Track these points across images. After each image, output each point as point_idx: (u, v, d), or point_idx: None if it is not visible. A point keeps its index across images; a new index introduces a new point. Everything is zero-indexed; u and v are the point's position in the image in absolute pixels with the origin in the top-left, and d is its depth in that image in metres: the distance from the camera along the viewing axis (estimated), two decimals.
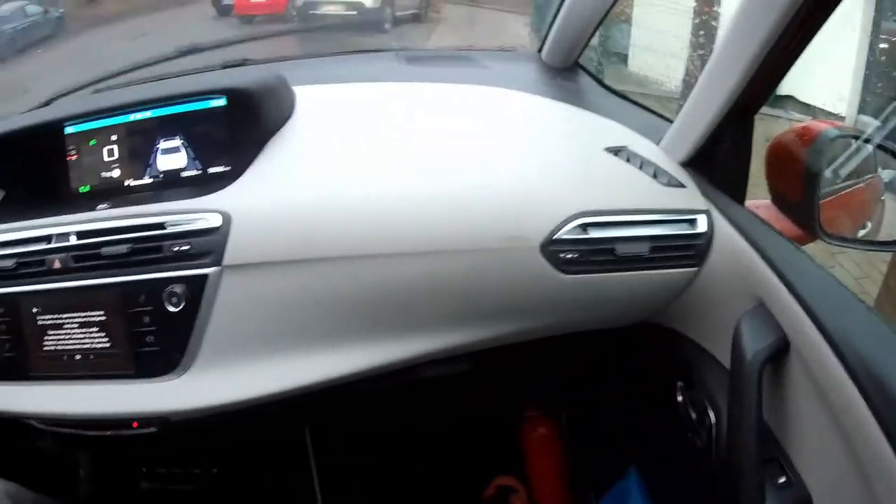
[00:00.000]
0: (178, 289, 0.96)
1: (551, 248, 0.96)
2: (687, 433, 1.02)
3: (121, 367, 1.02)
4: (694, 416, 1.01)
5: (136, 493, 1.36)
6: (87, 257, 1.01)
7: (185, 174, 1.11)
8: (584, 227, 0.97)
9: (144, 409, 1.01)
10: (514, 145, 1.03)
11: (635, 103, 1.18)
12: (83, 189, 1.15)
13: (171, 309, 0.97)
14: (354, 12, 7.31)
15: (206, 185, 1.02)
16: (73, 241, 1.03)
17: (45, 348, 1.06)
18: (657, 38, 5.38)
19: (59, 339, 1.05)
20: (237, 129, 1.06)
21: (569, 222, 0.96)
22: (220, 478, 1.31)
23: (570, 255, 0.96)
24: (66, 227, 1.05)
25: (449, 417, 1.48)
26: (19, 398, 1.08)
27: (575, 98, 1.14)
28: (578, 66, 1.21)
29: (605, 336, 1.10)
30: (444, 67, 1.20)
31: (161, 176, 1.12)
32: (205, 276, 0.96)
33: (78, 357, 1.04)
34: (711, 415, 0.96)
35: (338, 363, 0.99)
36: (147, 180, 1.13)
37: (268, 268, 0.96)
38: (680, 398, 1.05)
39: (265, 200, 0.96)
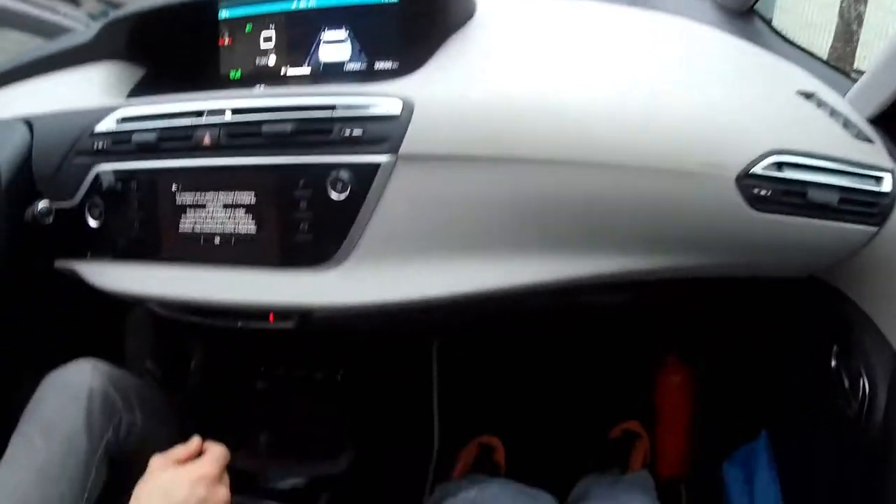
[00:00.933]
0: (344, 175, 0.89)
1: (746, 181, 0.89)
2: (836, 399, 0.97)
3: (266, 254, 0.94)
4: (847, 383, 0.96)
5: (248, 392, 1.27)
6: (243, 134, 0.93)
7: (348, 67, 1.04)
8: (780, 166, 0.91)
9: (286, 301, 0.93)
10: (704, 74, 0.97)
11: (812, 55, 1.13)
12: (234, 75, 1.09)
13: (335, 196, 0.89)
14: None
15: (370, 80, 0.95)
16: (228, 117, 0.96)
17: (181, 229, 0.98)
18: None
19: (197, 221, 0.97)
20: (411, 26, 1.00)
21: (765, 158, 0.90)
22: (342, 385, 1.23)
23: (763, 192, 0.89)
24: (220, 102, 0.97)
25: (586, 351, 1.41)
26: (146, 280, 1.01)
27: (756, 41, 1.09)
28: (753, 12, 1.17)
29: (764, 286, 1.04)
30: None
31: (322, 67, 1.05)
32: (377, 165, 0.88)
33: (217, 241, 0.97)
34: (866, 383, 0.91)
35: (500, 274, 0.91)
36: (305, 70, 1.06)
37: (444, 163, 0.88)
38: (834, 363, 0.99)
39: (449, 92, 0.89)
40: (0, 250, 1.01)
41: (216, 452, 0.93)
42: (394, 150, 0.87)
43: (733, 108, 0.93)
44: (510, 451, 1.32)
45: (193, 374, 1.36)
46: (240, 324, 0.98)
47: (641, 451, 1.29)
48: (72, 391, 1.03)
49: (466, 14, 0.98)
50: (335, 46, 1.04)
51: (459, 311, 0.96)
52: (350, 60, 1.03)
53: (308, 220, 0.91)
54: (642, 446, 1.30)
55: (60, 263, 1.09)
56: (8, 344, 1.03)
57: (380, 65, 1.02)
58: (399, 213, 0.89)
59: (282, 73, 1.06)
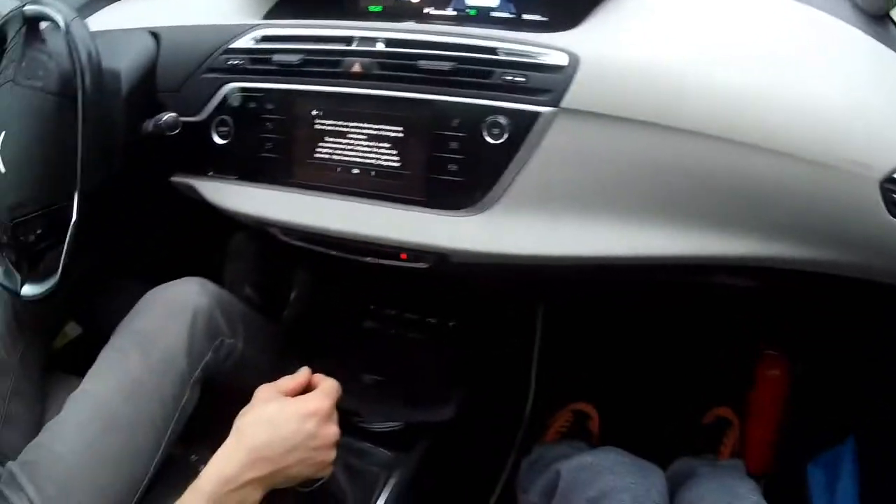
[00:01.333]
0: (502, 120, 0.87)
1: (888, 185, 0.89)
2: None
3: (407, 191, 0.92)
4: None
5: (354, 329, 1.25)
6: (398, 67, 0.91)
7: (495, 14, 1.03)
8: None
9: (423, 242, 0.91)
10: (854, 73, 0.97)
11: None
12: (373, 8, 1.07)
13: (490, 140, 0.88)
14: None
15: (516, 29, 0.93)
16: (381, 47, 0.94)
17: (317, 155, 0.96)
18: None
19: (336, 149, 0.95)
20: None
21: None
22: (451, 333, 1.22)
23: None
24: (373, 32, 0.95)
25: (690, 333, 1.42)
26: (272, 203, 0.99)
27: (893, 46, 1.10)
28: (889, 18, 1.17)
29: (876, 292, 1.05)
30: None
31: (467, 11, 1.04)
32: (537, 114, 0.86)
33: (356, 171, 0.95)
34: None
35: (643, 242, 0.90)
36: (450, 12, 1.04)
37: (604, 121, 0.87)
38: None
39: (615, 52, 0.88)
40: (116, 159, 0.97)
41: (328, 387, 0.92)
42: (555, 101, 0.85)
43: (884, 111, 0.93)
44: (603, 422, 1.32)
45: (293, 304, 1.34)
46: (368, 259, 0.96)
47: (732, 439, 1.30)
48: (176, 308, 1.01)
49: None
50: None
51: (587, 274, 0.95)
52: (497, 8, 1.02)
53: (458, 161, 0.89)
54: (733, 434, 1.31)
55: (177, 178, 1.07)
56: (110, 253, 1.00)
57: (528, 15, 1.01)
58: (551, 167, 0.88)
59: (424, 12, 1.04)
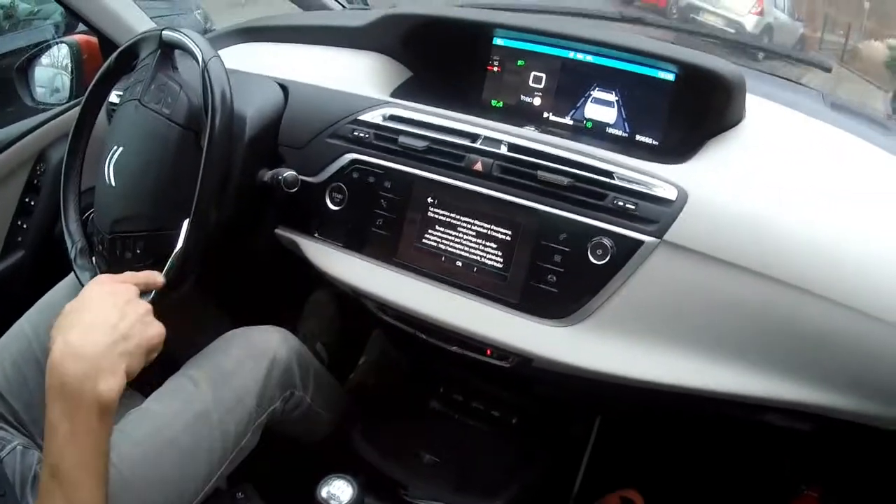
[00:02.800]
0: (607, 242, 0.91)
1: None
2: None
3: (504, 292, 0.96)
4: None
5: (419, 406, 1.29)
6: (518, 173, 0.96)
7: (610, 130, 1.07)
8: None
9: (511, 342, 0.95)
10: None
11: None
12: (495, 103, 1.12)
13: (592, 260, 0.92)
14: (732, 30, 7.30)
15: (628, 149, 0.97)
16: (504, 150, 0.98)
17: (425, 241, 1.01)
18: None
19: (444, 238, 1.00)
20: (682, 110, 1.03)
21: None
22: (512, 429, 1.26)
23: None
24: (498, 134, 1.00)
25: (737, 464, 1.45)
26: (372, 277, 1.03)
27: None
28: None
29: None
30: (863, 126, 1.17)
31: (584, 123, 1.08)
32: (640, 242, 0.90)
33: (459, 263, 0.99)
34: None
35: (718, 378, 0.94)
36: (568, 121, 1.09)
37: (702, 260, 0.91)
38: None
39: (721, 194, 0.92)
40: (228, 199, 1.01)
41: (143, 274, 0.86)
42: (660, 233, 0.90)
43: None
44: None
45: (361, 369, 1.38)
46: (454, 348, 1.00)
47: None
48: (256, 351, 1.04)
49: (737, 117, 1.01)
50: (602, 107, 1.07)
51: (656, 397, 0.99)
52: (614, 125, 1.06)
53: (558, 273, 0.93)
54: None
55: (283, 231, 1.11)
56: (200, 286, 1.05)
57: (640, 137, 1.05)
58: (644, 294, 0.92)
59: (544, 116, 1.09)
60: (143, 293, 0.83)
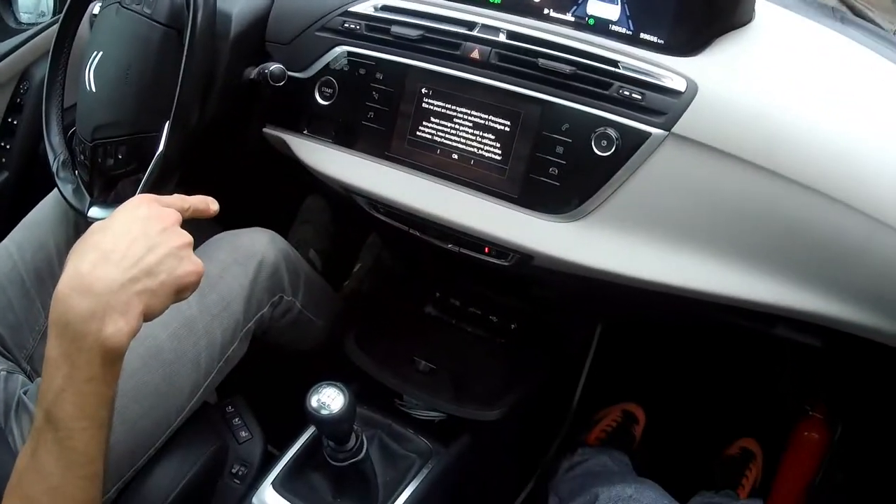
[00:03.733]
0: (612, 133, 0.87)
1: None
2: None
3: (503, 185, 0.92)
4: None
5: (414, 313, 1.24)
6: (517, 61, 0.91)
7: (613, 28, 1.02)
8: None
9: (511, 239, 0.91)
10: None
11: None
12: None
13: (596, 151, 0.88)
14: None
15: (632, 46, 0.93)
16: (503, 38, 0.93)
17: (419, 134, 0.96)
18: None
19: (439, 131, 0.95)
20: (689, 8, 0.98)
21: None
22: (511, 335, 1.21)
23: None
24: (497, 21, 0.95)
25: (740, 372, 1.42)
26: (363, 172, 0.98)
27: None
28: None
29: None
30: (873, 41, 1.13)
31: (586, 19, 1.03)
32: (647, 134, 0.86)
33: (454, 157, 0.94)
34: None
35: (719, 279, 0.89)
36: (569, 17, 1.03)
37: (710, 154, 0.86)
38: None
39: (732, 88, 0.88)
40: (212, 99, 0.97)
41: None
42: (668, 125, 0.85)
43: None
44: (647, 430, 1.32)
45: (356, 276, 1.33)
46: (450, 246, 0.95)
47: (754, 472, 1.31)
48: (242, 255, 1.00)
49: (746, 17, 0.96)
50: (606, 3, 1.01)
51: (660, 300, 0.95)
52: (616, 22, 1.01)
53: (560, 166, 0.89)
54: (756, 467, 1.32)
55: (271, 130, 1.06)
56: (186, 192, 1.00)
57: (645, 35, 1.00)
58: (651, 189, 0.88)
59: (544, 13, 1.03)
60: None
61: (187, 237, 0.63)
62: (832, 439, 1.35)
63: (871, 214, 0.81)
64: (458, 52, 0.94)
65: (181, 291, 0.62)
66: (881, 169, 0.83)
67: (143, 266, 0.58)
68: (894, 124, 0.88)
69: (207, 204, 0.72)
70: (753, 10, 0.95)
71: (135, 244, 0.59)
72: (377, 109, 0.97)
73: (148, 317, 0.59)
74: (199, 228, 1.07)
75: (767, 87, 0.87)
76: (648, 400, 1.39)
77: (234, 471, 1.04)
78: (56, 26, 1.03)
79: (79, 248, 0.59)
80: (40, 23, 1.42)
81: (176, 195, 0.70)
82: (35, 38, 1.35)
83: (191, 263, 0.62)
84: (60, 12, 1.33)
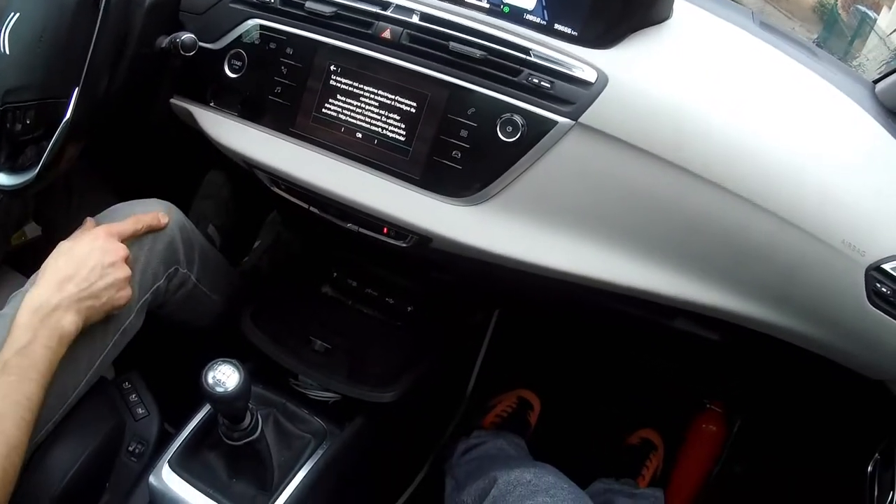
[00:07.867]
0: (518, 120, 0.87)
1: (874, 273, 0.90)
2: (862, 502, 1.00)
3: (405, 167, 0.91)
4: (876, 493, 0.99)
5: (310, 292, 1.22)
6: (428, 43, 0.91)
7: (528, 17, 1.02)
8: None
9: (410, 220, 0.90)
10: (867, 161, 0.99)
11: None
12: None
13: (501, 137, 0.88)
14: None
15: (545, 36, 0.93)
16: (415, 19, 0.93)
17: (325, 111, 0.95)
18: None
19: (345, 109, 0.94)
20: (606, 1, 0.99)
21: None
22: (407, 317, 1.20)
23: (884, 290, 0.91)
24: (409, 2, 0.94)
25: (640, 364, 1.43)
26: (266, 147, 0.97)
27: None
28: None
29: (834, 378, 1.06)
30: (790, 46, 1.16)
31: (501, 7, 1.03)
32: (553, 122, 0.86)
33: (359, 136, 0.93)
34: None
35: (619, 269, 0.90)
36: (484, 3, 1.03)
37: (615, 145, 0.87)
38: (870, 468, 1.02)
39: (641, 82, 0.89)
40: (122, 67, 0.95)
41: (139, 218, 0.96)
42: (576, 115, 0.86)
43: (890, 202, 0.93)
44: (542, 417, 1.33)
45: (254, 253, 1.31)
46: (349, 226, 0.94)
47: (655, 463, 1.32)
48: None
49: (664, 14, 0.97)
50: None
51: (559, 288, 0.95)
52: (532, 12, 1.01)
53: (463, 149, 0.89)
54: (656, 458, 1.33)
55: (177, 101, 1.04)
56: (89, 161, 0.97)
57: (559, 26, 1.00)
58: (554, 177, 0.88)
59: None
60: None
61: (127, 271, 0.90)
62: (731, 432, 1.37)
63: (775, 212, 0.83)
64: (369, 31, 0.93)
65: (114, 309, 0.90)
66: (788, 168, 0.85)
67: (92, 290, 0.85)
68: (804, 126, 0.91)
69: (159, 219, 0.98)
70: (671, 8, 0.97)
71: (91, 272, 0.86)
72: (285, 84, 0.95)
73: (87, 322, 0.85)
74: (96, 198, 1.05)
75: (679, 83, 0.88)
76: (545, 388, 1.39)
77: (130, 448, 1.02)
78: None
79: (51, 263, 0.87)
80: None
81: (132, 218, 0.95)
82: None
83: (126, 291, 0.90)
84: None
